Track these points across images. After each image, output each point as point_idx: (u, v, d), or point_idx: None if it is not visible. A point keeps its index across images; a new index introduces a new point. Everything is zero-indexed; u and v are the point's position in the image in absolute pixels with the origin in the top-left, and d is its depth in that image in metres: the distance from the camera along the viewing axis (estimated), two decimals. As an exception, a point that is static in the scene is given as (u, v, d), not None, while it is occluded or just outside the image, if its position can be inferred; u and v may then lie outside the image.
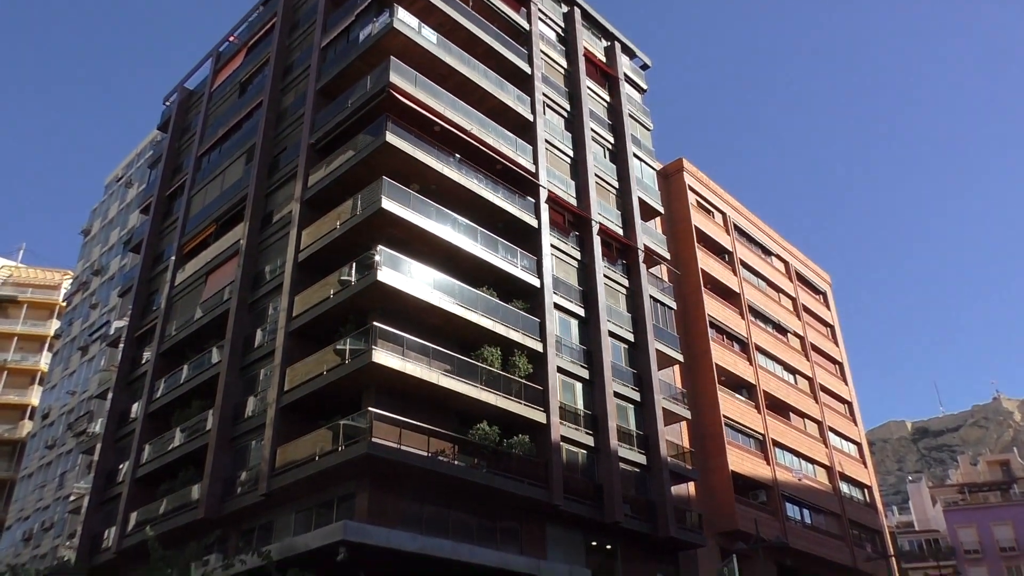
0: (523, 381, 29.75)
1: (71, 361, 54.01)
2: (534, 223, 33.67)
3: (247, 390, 31.11)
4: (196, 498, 29.79)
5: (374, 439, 23.99)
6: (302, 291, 29.68)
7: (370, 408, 24.90)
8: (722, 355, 42.90)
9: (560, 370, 31.67)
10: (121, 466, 36.31)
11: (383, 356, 25.43)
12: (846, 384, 56.02)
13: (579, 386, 32.71)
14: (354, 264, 27.67)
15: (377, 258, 26.74)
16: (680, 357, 38.50)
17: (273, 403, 28.33)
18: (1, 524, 55.83)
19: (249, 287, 33.27)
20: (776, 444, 43.92)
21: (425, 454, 25.20)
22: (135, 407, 37.34)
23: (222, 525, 28.87)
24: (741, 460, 40.31)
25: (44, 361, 65.27)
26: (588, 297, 34.79)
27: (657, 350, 36.48)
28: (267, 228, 34.49)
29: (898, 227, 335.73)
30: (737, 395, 43.31)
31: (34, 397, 63.31)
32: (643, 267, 38.11)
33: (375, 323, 26.01)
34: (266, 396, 29.36)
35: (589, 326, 34.26)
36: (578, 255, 35.76)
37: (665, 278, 41.60)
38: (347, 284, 27.60)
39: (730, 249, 48.79)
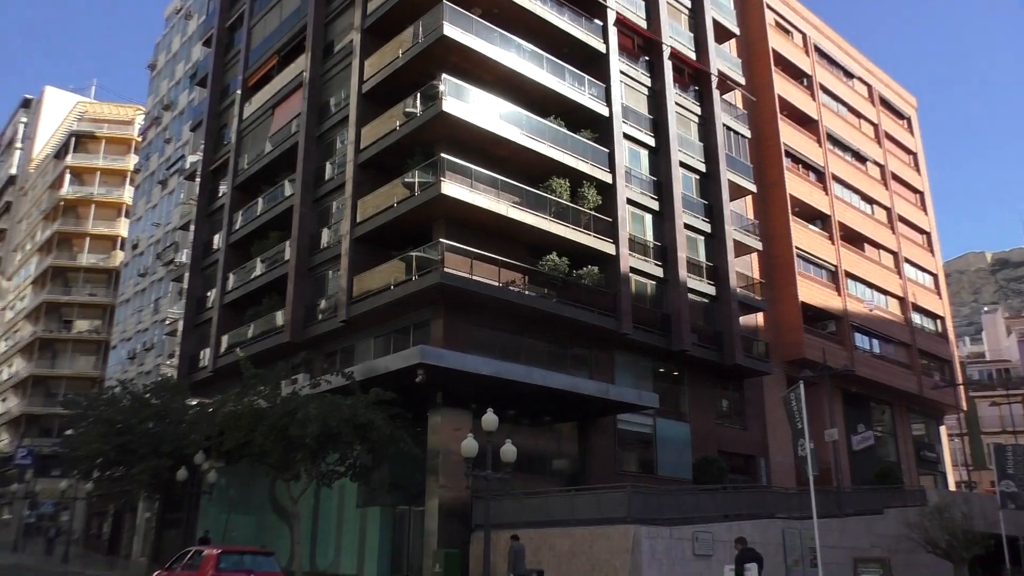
0: (592, 213, 29.66)
1: (152, 194, 55.93)
2: (602, 48, 32.23)
3: (321, 222, 31.93)
4: (281, 323, 31.49)
5: (446, 269, 24.59)
6: (368, 123, 29.58)
7: (441, 239, 25.35)
8: (797, 185, 41.66)
9: (630, 201, 31.38)
10: (209, 293, 38.41)
11: (452, 188, 25.54)
12: (925, 214, 54.12)
13: (649, 217, 32.48)
14: (418, 95, 27.24)
15: (441, 88, 26.21)
16: (753, 187, 37.62)
17: (347, 234, 29.07)
18: (107, 344, 60.44)
19: (316, 120, 33.32)
20: (849, 275, 43.38)
21: (496, 284, 25.80)
22: (216, 238, 38.91)
23: (306, 348, 30.66)
24: (811, 291, 40.11)
25: (127, 195, 67.81)
26: (658, 126, 33.77)
27: (729, 180, 35.66)
28: (329, 59, 33.98)
29: (990, 46, 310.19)
30: (811, 226, 42.43)
31: (122, 229, 66.40)
32: (716, 93, 36.52)
33: (443, 155, 25.93)
34: (339, 228, 30.11)
35: (659, 156, 33.49)
36: (648, 82, 34.37)
37: (739, 105, 39.87)
38: (412, 116, 27.33)
39: (809, 72, 46.04)
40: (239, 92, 39.94)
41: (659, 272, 31.78)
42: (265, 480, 26.23)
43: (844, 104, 48.98)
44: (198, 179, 42.33)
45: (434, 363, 21.87)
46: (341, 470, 22.38)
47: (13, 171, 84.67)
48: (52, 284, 66.83)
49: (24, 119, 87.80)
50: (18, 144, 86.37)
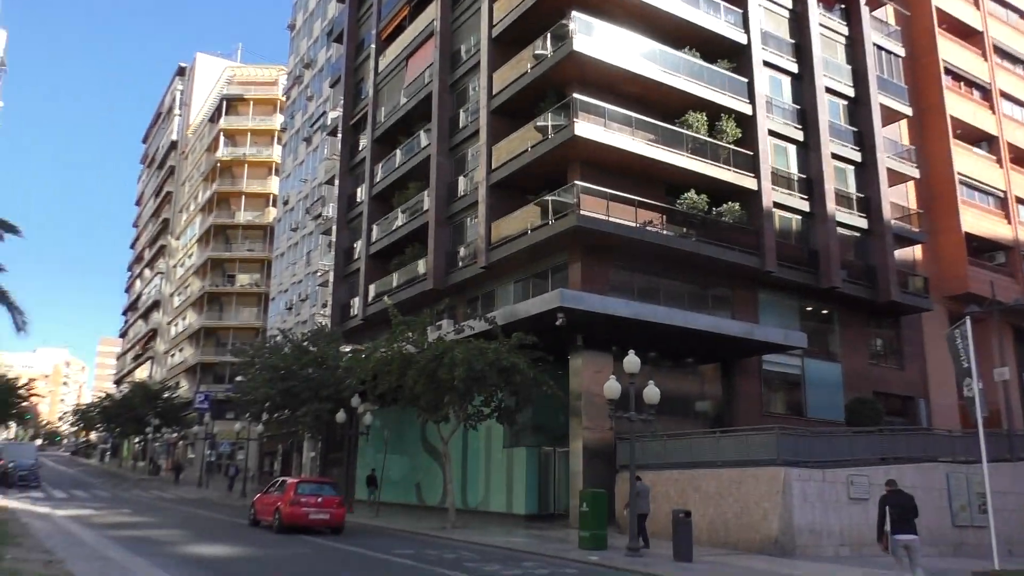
0: (731, 147, 28.52)
1: (298, 152, 58.56)
2: (740, -30, 30.53)
3: (457, 170, 32.45)
4: (423, 271, 32.51)
5: (582, 212, 24.46)
6: (499, 68, 29.53)
7: (576, 182, 25.18)
8: (958, 105, 38.25)
9: (771, 133, 29.92)
10: (356, 244, 40.10)
11: (585, 128, 25.21)
12: (1113, 128, 48.48)
13: (792, 149, 30.90)
14: (548, 35, 26.86)
15: (571, 26, 25.72)
16: (908, 110, 34.93)
17: (483, 181, 29.41)
18: (267, 296, 64.60)
19: (448, 68, 33.62)
20: (1020, 201, 39.75)
21: (633, 224, 25.45)
22: (360, 191, 40.39)
23: (449, 295, 31.56)
24: (976, 219, 37.07)
25: (276, 153, 71.32)
26: (801, 51, 31.80)
27: (881, 104, 33.24)
28: (458, 6, 34.06)
29: None
30: (975, 149, 39.02)
31: (273, 186, 70.10)
32: (865, 10, 33.90)
33: (575, 95, 25.57)
34: (475, 175, 30.49)
35: (803, 83, 31.61)
36: (788, 3, 32.31)
37: (891, 21, 36.84)
38: (542, 58, 27.02)
39: (973, -23, 41.80)
40: (373, 46, 40.87)
41: (804, 206, 30.29)
42: (417, 422, 27.45)
43: (1014, 9, 44.25)
44: (340, 134, 43.89)
45: (573, 306, 21.96)
46: (487, 412, 23.08)
47: (174, 136, 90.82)
48: (215, 241, 71.76)
49: (180, 87, 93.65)
50: (176, 111, 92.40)
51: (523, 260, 27.61)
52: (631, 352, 17.93)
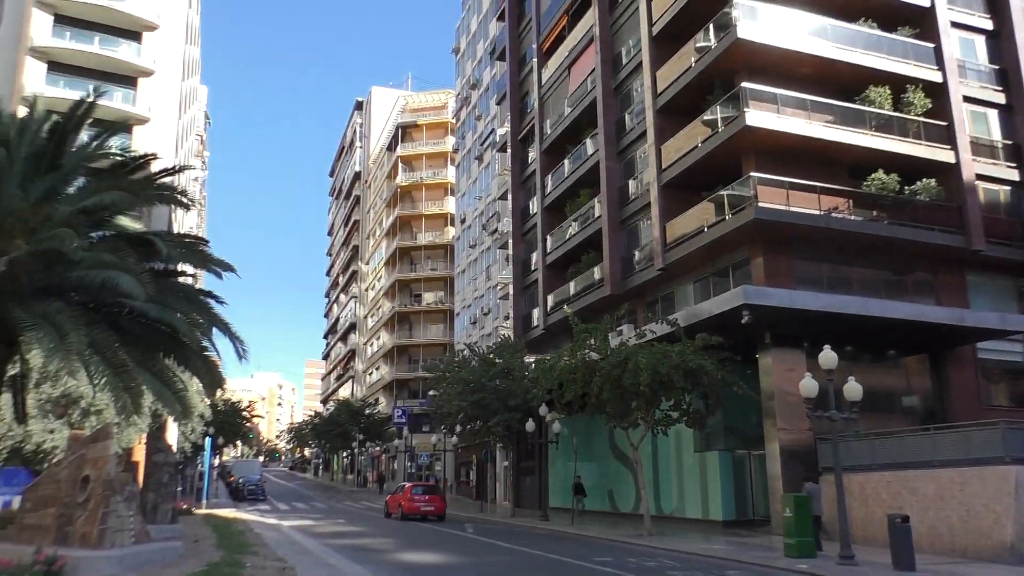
0: (921, 119, 26.43)
1: (471, 171, 60.58)
2: (917, -73, 28.27)
3: (627, 173, 32.29)
4: (599, 278, 32.59)
5: (760, 204, 23.58)
6: (662, 66, 29.12)
7: (752, 173, 24.31)
8: None
9: (967, 99, 27.44)
10: (532, 256, 40.90)
11: (756, 117, 24.29)
12: None
13: (993, 114, 28.17)
14: (710, 26, 26.16)
15: (734, 13, 24.90)
16: None
17: (653, 182, 29.08)
18: (452, 313, 67.26)
19: (610, 72, 33.58)
20: None
21: (816, 212, 24.19)
22: (532, 203, 41.18)
23: (627, 299, 31.41)
24: None
25: (450, 174, 74.21)
26: (995, 4, 28.92)
27: (1100, 50, 29.51)
28: (616, 8, 33.96)
29: None
30: None
31: (450, 206, 72.92)
32: (1074, -54, 30.25)
33: (743, 84, 24.71)
34: (645, 177, 30.21)
35: (1000, 40, 28.75)
36: (979, -47, 29.51)
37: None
38: (706, 50, 26.35)
39: None
40: (535, 59, 41.62)
41: (1014, 175, 27.46)
42: (605, 429, 27.51)
43: None
44: (509, 149, 44.98)
45: (758, 303, 21.20)
46: (675, 416, 22.73)
47: (357, 168, 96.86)
48: (400, 264, 75.69)
49: (359, 120, 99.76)
50: (358, 143, 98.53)
51: (701, 259, 26.99)
52: (826, 347, 17.03)
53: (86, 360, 15.21)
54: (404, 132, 79.40)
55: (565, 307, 32.53)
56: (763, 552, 18.38)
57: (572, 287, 35.13)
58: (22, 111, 18.10)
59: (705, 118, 26.22)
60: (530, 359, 36.27)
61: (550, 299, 37.49)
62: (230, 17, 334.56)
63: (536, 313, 39.24)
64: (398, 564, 16.53)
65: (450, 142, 74.58)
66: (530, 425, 32.06)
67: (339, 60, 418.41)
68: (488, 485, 45.15)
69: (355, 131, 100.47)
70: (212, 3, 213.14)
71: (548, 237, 38.45)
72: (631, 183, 31.71)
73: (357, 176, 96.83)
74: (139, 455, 19.31)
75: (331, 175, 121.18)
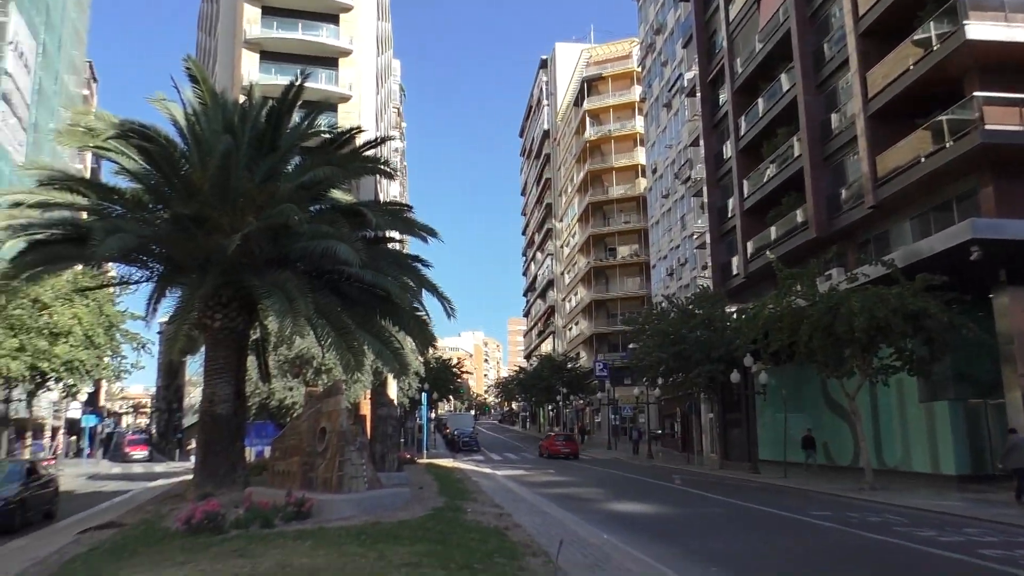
0: None
1: (660, 119, 59.15)
2: None
3: (828, 106, 30.12)
4: (802, 220, 30.85)
5: (987, 126, 21.16)
6: (865, -15, 26.69)
7: (975, 93, 21.82)
8: None
9: None
10: (728, 202, 39.45)
11: (979, 30, 21.69)
12: None
13: None
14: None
15: (951, -85, 22.23)
16: None
17: (859, 113, 26.93)
18: (648, 265, 66.67)
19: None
20: None
21: (1058, 130, 21.31)
22: (726, 147, 39.59)
23: (834, 241, 29.52)
24: None
25: (639, 124, 72.93)
26: None
27: None
28: (810, -72, 31.49)
29: None
30: None
31: (640, 157, 71.83)
32: None
33: (963, -6, 22.10)
34: (848, 108, 28.04)
35: None
36: None
37: None
38: (918, -41, 23.80)
39: None
40: (721, -4, 39.65)
41: None
42: (816, 378, 26.25)
43: None
44: (698, 93, 43.39)
45: (990, 236, 19.18)
46: (896, 364, 21.21)
47: (546, 126, 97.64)
48: (593, 219, 75.79)
49: (544, 78, 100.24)
50: (545, 102, 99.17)
51: (918, 193, 24.73)
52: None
53: (313, 323, 16.75)
54: (590, 86, 78.85)
55: (768, 253, 31.16)
56: (1005, 509, 16.86)
57: (773, 232, 33.53)
58: (242, 99, 19.92)
59: (916, 37, 23.77)
60: (731, 309, 35.21)
61: (749, 246, 36.04)
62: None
63: (735, 261, 37.93)
64: (609, 513, 16.87)
65: (636, 92, 73.15)
66: (735, 376, 31.24)
67: (522, 19, 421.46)
68: (694, 437, 44.67)
69: (541, 89, 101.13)
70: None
71: (744, 181, 36.84)
72: (833, 117, 29.54)
73: (546, 134, 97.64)
74: (365, 409, 21.00)
75: (521, 135, 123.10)
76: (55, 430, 55.95)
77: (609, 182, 76.03)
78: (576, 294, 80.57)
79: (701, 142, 43.31)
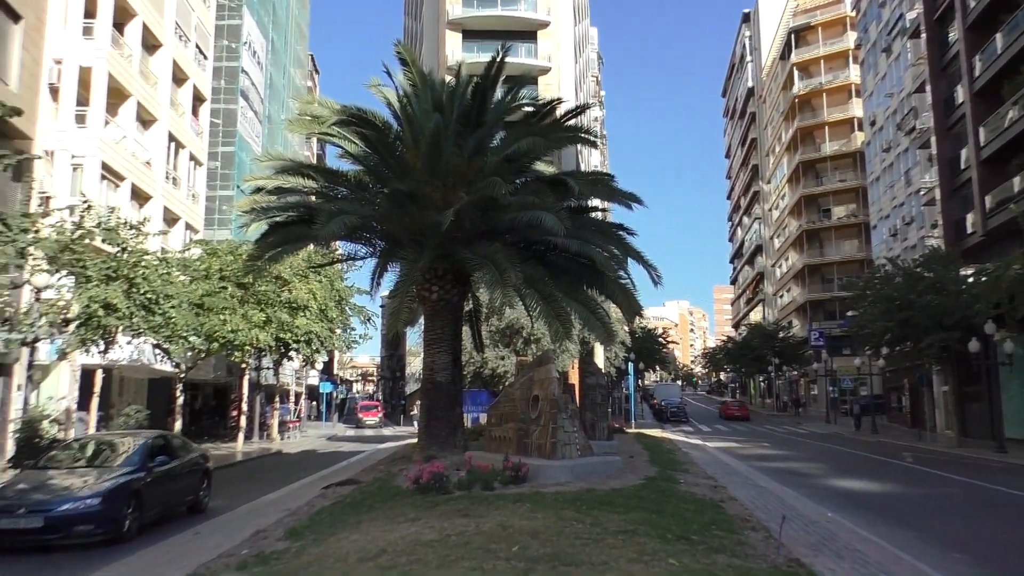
0: None
1: (878, 66, 54.34)
2: None
3: (1090, 35, 26.20)
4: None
5: None
6: None
7: None
8: None
9: None
10: (961, 152, 35.60)
11: None
12: None
13: None
14: None
15: None
16: None
17: None
18: (866, 226, 61.97)
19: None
20: None
21: None
22: (957, 91, 35.68)
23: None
24: None
25: (854, 74, 67.56)
26: None
27: None
28: None
29: None
30: None
31: (855, 109, 66.58)
32: None
33: None
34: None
35: None
36: None
37: None
38: None
39: None
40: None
41: None
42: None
43: None
44: (923, 33, 39.37)
45: None
46: None
47: (750, 84, 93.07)
48: (805, 178, 71.40)
49: (747, 33, 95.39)
50: (748, 58, 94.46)
51: None
52: None
53: (522, 293, 17.15)
54: (797, 36, 74.03)
55: (1011, 206, 27.78)
56: None
57: (1016, 183, 29.82)
58: (448, 79, 20.62)
59: None
60: (967, 271, 31.83)
61: (988, 200, 32.31)
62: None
63: (970, 218, 34.20)
64: (831, 490, 15.99)
65: (850, 38, 67.76)
66: (973, 345, 28.26)
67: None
68: (925, 412, 41.13)
69: (744, 45, 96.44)
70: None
71: (981, 128, 32.97)
72: (1098, 44, 25.66)
73: (750, 92, 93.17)
74: (574, 378, 21.27)
75: (723, 95, 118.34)
76: (298, 396, 61.87)
77: (821, 138, 71.30)
78: (787, 259, 76.66)
79: (927, 88, 39.30)
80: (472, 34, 44.75)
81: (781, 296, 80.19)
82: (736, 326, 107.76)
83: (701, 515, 9.42)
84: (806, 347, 61.99)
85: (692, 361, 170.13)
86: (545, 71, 43.99)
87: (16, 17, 23.74)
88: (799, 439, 35.22)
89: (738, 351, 73.72)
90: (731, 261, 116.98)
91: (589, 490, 10.86)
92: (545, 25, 45.20)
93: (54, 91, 26.54)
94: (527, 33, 45.08)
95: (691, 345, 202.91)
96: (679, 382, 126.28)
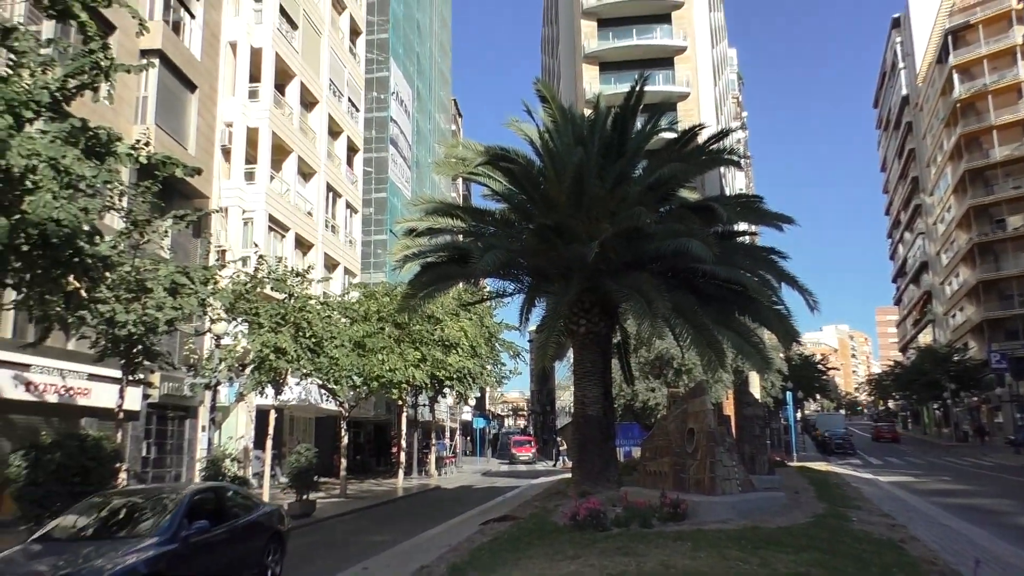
0: None
1: (1054, 61, 50.00)
2: None
3: None
4: None
5: None
6: None
7: None
8: None
9: None
10: None
11: None
12: None
13: None
14: None
15: None
16: None
17: None
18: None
19: None
20: None
21: None
22: None
23: None
24: None
25: (1023, 72, 62.47)
26: None
27: None
28: None
29: None
30: None
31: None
32: None
33: None
34: None
35: None
36: None
37: None
38: None
39: None
40: None
41: None
42: None
43: None
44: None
45: None
46: None
47: (904, 92, 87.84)
48: (972, 187, 66.23)
49: (898, 38, 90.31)
50: (900, 64, 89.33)
51: None
52: None
53: (671, 323, 16.82)
54: (955, 37, 69.33)
55: None
56: None
57: None
58: (587, 112, 20.77)
59: None
60: None
61: None
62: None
63: None
64: (1027, 528, 14.49)
65: (1017, 33, 62.78)
66: None
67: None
68: None
69: (895, 52, 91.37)
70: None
71: None
72: None
73: (905, 100, 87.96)
74: (729, 409, 20.57)
75: (875, 106, 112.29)
76: (452, 431, 63.36)
77: (989, 144, 66.06)
78: (957, 276, 71.16)
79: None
80: (609, 66, 45.00)
81: (953, 316, 74.37)
82: (903, 350, 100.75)
83: (880, 556, 8.77)
84: (986, 371, 57.00)
85: (856, 389, 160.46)
86: (684, 96, 43.48)
87: (192, 87, 26.17)
88: (984, 472, 32.26)
89: (908, 377, 68.82)
90: (894, 280, 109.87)
91: (753, 528, 10.38)
92: (681, 51, 44.76)
93: (225, 152, 28.92)
94: (664, 60, 44.83)
95: (853, 371, 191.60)
96: (842, 411, 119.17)
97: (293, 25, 33.59)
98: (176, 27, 26.17)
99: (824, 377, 69.99)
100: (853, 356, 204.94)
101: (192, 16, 27.12)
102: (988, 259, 64.77)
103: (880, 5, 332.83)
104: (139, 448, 23.10)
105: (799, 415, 69.40)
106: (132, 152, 10.76)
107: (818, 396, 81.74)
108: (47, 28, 18.39)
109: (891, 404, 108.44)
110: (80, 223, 9.54)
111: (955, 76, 68.43)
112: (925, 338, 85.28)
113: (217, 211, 23.86)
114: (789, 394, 41.98)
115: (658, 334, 19.22)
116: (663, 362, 27.22)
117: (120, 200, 13.64)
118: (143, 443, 23.47)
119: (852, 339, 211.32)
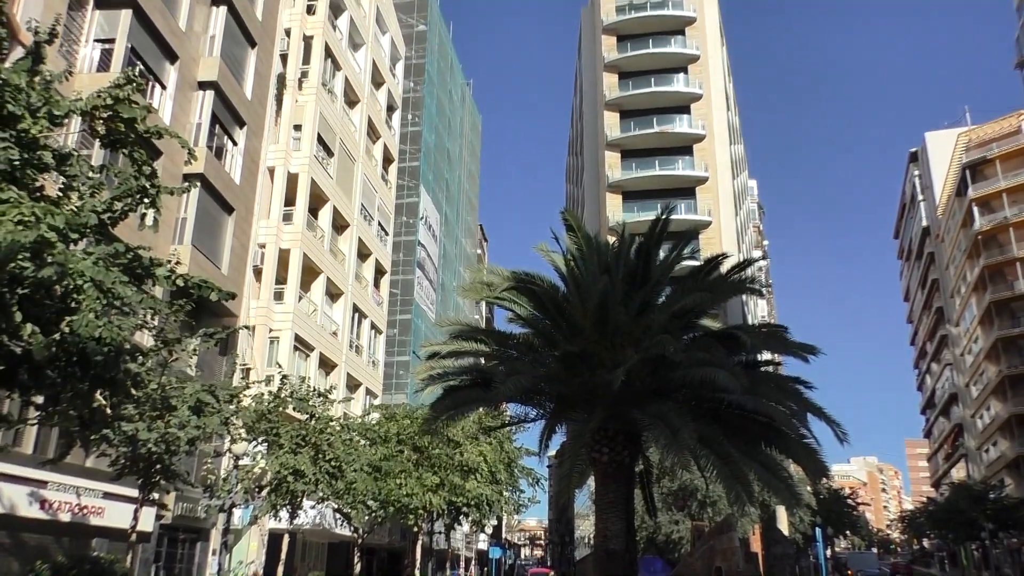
0: None
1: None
2: None
3: None
4: None
5: None
6: None
7: None
8: None
9: None
10: None
11: None
12: None
13: None
14: None
15: None
16: None
17: None
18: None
19: None
20: None
21: None
22: None
23: None
24: None
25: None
26: None
27: None
28: None
29: None
30: None
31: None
32: None
33: None
34: None
35: None
36: None
37: None
38: None
39: None
40: None
41: None
42: None
43: None
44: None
45: None
46: None
47: (924, 223, 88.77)
48: (999, 319, 65.74)
49: (916, 172, 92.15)
50: (919, 196, 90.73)
51: None
52: None
53: (696, 453, 16.44)
54: (973, 171, 70.73)
55: None
56: None
57: None
58: (611, 239, 21.15)
59: None
60: None
61: None
62: (764, 104, 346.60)
63: None
64: None
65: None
66: None
67: (876, 118, 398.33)
68: None
69: (914, 184, 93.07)
70: (745, 87, 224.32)
71: None
72: None
73: (926, 232, 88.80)
74: (756, 545, 19.81)
75: (895, 237, 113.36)
76: (467, 561, 61.17)
77: (1014, 275, 66.10)
78: (988, 408, 69.54)
79: None
80: (631, 195, 46.23)
81: (987, 450, 72.15)
82: (936, 485, 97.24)
83: None
84: (1025, 509, 54.75)
85: (887, 525, 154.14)
86: (706, 225, 44.29)
87: (230, 209, 27.10)
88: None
89: (942, 515, 66.11)
90: (922, 412, 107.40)
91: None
92: (703, 181, 45.97)
93: (257, 271, 29.59)
94: (686, 190, 46.02)
95: (884, 507, 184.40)
96: (875, 549, 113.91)
97: (329, 152, 35.03)
98: (219, 152, 27.41)
99: (855, 512, 67.42)
100: (883, 490, 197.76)
101: (235, 143, 28.45)
102: (1020, 392, 63.40)
103: (895, 137, 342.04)
104: (148, 572, 22.48)
105: (829, 553, 66.41)
106: (170, 275, 11.06)
107: (848, 533, 78.39)
108: (96, 152, 19.33)
109: (926, 543, 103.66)
110: (122, 342, 9.72)
111: (975, 209, 69.32)
112: (958, 473, 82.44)
113: (245, 328, 24.20)
114: (819, 530, 40.38)
115: (684, 465, 18.79)
116: (687, 493, 26.44)
117: (152, 318, 13.90)
118: (152, 567, 22.86)
119: (881, 472, 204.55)
